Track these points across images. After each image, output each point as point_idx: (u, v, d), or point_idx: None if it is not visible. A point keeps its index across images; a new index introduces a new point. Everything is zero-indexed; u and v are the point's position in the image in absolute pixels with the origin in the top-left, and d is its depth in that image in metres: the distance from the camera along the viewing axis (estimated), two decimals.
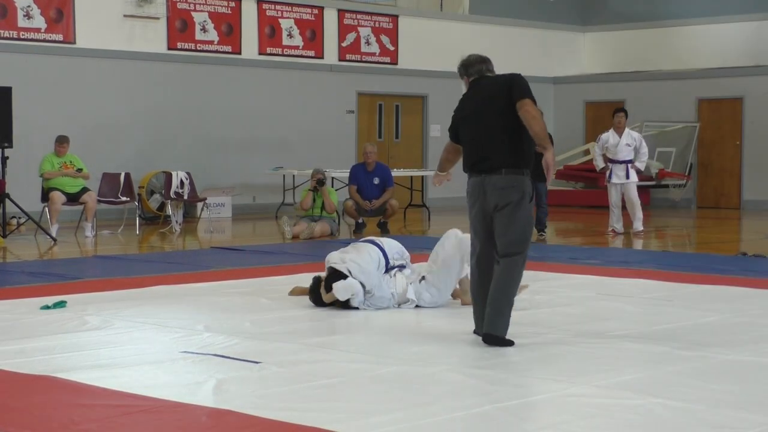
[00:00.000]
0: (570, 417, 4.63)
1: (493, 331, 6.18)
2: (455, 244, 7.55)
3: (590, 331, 6.71)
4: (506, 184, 6.25)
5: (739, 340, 6.43)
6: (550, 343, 6.34)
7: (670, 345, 6.24)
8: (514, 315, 7.04)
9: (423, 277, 7.66)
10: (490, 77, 6.58)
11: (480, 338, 6.28)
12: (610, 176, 14.62)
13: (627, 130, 14.77)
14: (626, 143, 14.53)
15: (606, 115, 21.84)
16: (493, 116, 6.34)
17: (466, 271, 7.28)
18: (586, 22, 23.15)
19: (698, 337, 6.52)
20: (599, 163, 14.84)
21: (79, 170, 13.95)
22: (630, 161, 14.54)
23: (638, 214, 14.53)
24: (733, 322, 7.14)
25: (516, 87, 6.29)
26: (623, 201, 14.58)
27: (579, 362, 5.86)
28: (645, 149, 14.70)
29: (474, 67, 6.61)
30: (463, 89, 6.68)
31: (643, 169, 15.04)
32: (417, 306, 7.59)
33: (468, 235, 6.87)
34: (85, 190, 13.97)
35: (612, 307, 7.69)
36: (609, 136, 14.65)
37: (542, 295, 8.35)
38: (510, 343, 6.19)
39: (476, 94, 6.52)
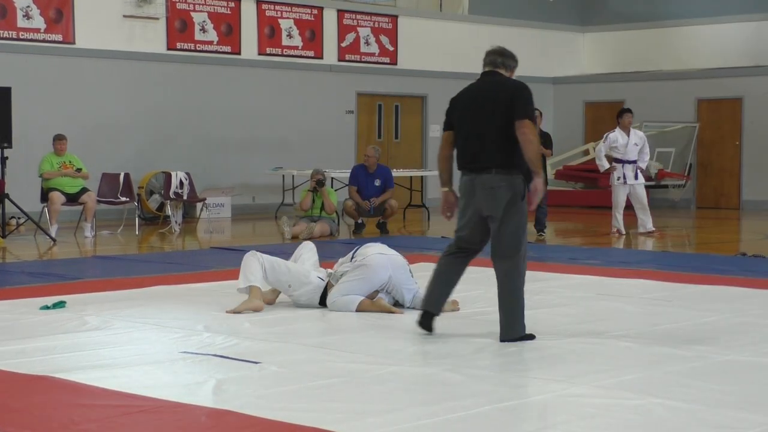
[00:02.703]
0: (570, 417, 4.63)
1: (510, 336, 6.27)
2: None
3: (590, 331, 6.71)
4: (496, 184, 6.25)
5: (739, 340, 6.43)
6: (550, 343, 6.33)
7: (669, 345, 6.24)
8: None
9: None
10: (500, 77, 6.49)
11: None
12: (621, 176, 14.48)
13: (633, 129, 14.75)
14: (634, 143, 14.52)
15: (606, 115, 21.86)
16: (490, 118, 6.32)
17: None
18: (586, 23, 23.15)
19: (698, 338, 6.52)
20: (604, 164, 14.61)
21: (79, 170, 13.95)
22: (635, 161, 14.54)
23: (649, 214, 14.57)
24: (732, 322, 7.14)
25: (519, 105, 6.26)
26: (627, 201, 14.56)
27: (579, 362, 5.86)
28: (647, 149, 14.71)
29: (490, 57, 6.54)
30: None
31: (645, 168, 15.04)
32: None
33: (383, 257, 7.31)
34: (84, 190, 13.97)
35: (612, 308, 7.69)
36: (618, 136, 14.55)
37: (542, 295, 8.35)
38: (531, 337, 6.29)
39: (480, 91, 6.47)
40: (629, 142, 14.45)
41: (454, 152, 6.60)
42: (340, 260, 7.78)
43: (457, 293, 8.20)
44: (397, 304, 7.52)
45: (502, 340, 6.28)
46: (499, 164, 6.26)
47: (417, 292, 7.48)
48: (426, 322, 6.53)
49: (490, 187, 6.26)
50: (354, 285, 7.43)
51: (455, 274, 6.58)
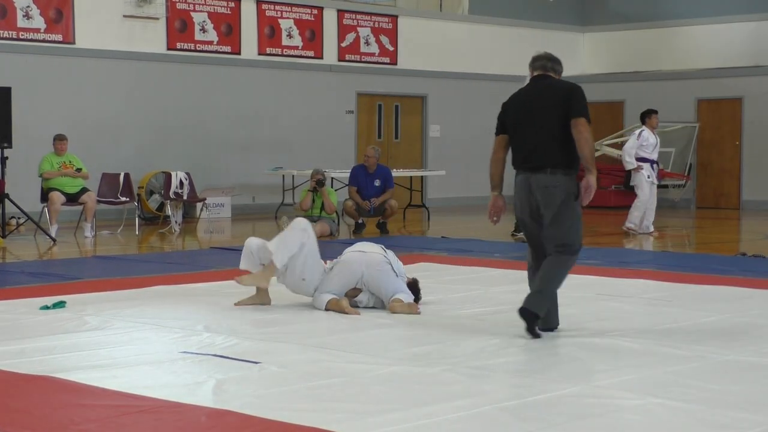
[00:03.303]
0: (569, 417, 4.63)
1: (531, 306, 6.30)
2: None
3: (589, 331, 6.70)
4: (551, 183, 6.37)
5: (739, 340, 6.43)
6: (550, 343, 6.34)
7: (669, 345, 6.24)
8: (514, 315, 7.03)
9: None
10: (551, 79, 6.63)
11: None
12: (650, 176, 14.47)
13: (654, 130, 14.80)
14: (658, 142, 14.68)
15: (605, 115, 21.87)
16: (547, 120, 6.44)
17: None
18: (586, 23, 23.16)
19: (698, 338, 6.52)
20: (633, 162, 14.48)
21: (79, 170, 13.96)
22: (656, 161, 14.64)
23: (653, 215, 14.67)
24: (732, 322, 7.15)
25: (575, 103, 6.41)
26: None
27: (578, 362, 5.86)
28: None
29: (539, 62, 6.72)
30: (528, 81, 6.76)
31: None
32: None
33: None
34: (84, 190, 13.97)
35: (611, 308, 7.69)
36: (648, 135, 14.56)
37: None
38: (537, 335, 6.33)
39: (534, 93, 6.60)
40: (657, 142, 14.57)
41: (508, 156, 6.72)
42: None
43: (457, 293, 8.22)
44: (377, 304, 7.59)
45: (521, 308, 6.32)
46: (554, 164, 6.40)
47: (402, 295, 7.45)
48: (533, 332, 6.44)
49: (545, 186, 6.38)
50: (331, 282, 7.53)
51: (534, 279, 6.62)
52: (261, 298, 7.65)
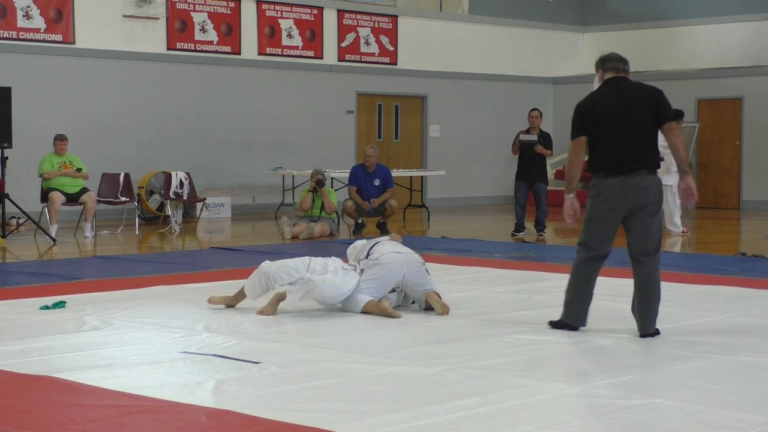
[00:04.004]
0: (570, 417, 4.63)
1: (650, 331, 6.49)
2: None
3: (591, 331, 6.70)
4: (649, 185, 6.49)
5: (739, 341, 6.43)
6: (550, 343, 6.34)
7: (670, 345, 6.25)
8: (514, 315, 7.03)
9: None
10: (631, 81, 6.72)
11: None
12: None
13: None
14: None
15: None
16: (639, 121, 6.52)
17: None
18: (586, 23, 23.15)
19: (698, 338, 6.52)
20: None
21: (78, 170, 13.96)
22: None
23: None
24: (732, 322, 7.14)
25: (664, 108, 6.58)
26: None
27: (578, 362, 5.86)
28: None
29: (611, 63, 6.76)
30: (596, 84, 6.84)
31: None
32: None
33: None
34: (84, 190, 13.97)
35: (612, 308, 7.68)
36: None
37: (542, 295, 8.35)
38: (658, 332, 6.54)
39: (620, 95, 6.60)
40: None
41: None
42: (353, 253, 7.75)
43: (457, 293, 8.21)
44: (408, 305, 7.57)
45: (643, 335, 6.46)
46: (649, 165, 6.53)
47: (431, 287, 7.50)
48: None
49: (644, 188, 6.46)
50: (369, 284, 7.41)
51: (593, 285, 6.71)
52: (235, 301, 7.59)
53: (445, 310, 7.30)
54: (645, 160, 6.50)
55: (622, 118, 6.51)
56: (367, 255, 7.56)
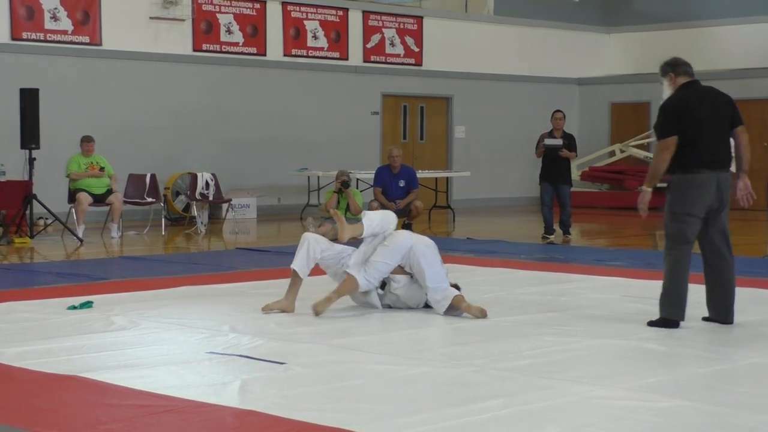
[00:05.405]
0: (595, 419, 4.61)
1: (732, 319, 6.97)
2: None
3: (616, 333, 6.68)
4: (730, 181, 6.91)
5: (766, 343, 6.38)
6: (575, 345, 6.31)
7: (695, 347, 6.22)
8: (539, 317, 7.01)
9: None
10: (706, 86, 7.13)
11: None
12: None
13: None
14: None
15: (631, 116, 21.79)
16: (723, 123, 6.97)
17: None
18: (611, 23, 23.06)
19: (724, 340, 6.49)
20: None
21: (102, 169, 14.01)
22: None
23: None
24: (760, 324, 7.10)
25: (737, 112, 7.06)
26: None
27: (604, 364, 5.84)
28: None
29: (682, 68, 7.16)
30: (666, 87, 7.26)
31: None
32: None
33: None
34: (109, 191, 14.03)
35: (637, 309, 7.65)
36: None
37: (567, 297, 8.33)
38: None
39: (707, 97, 7.01)
40: None
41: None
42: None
43: (483, 294, 8.19)
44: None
45: (730, 322, 6.93)
46: (729, 165, 6.95)
47: (444, 289, 7.40)
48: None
49: (728, 186, 6.89)
50: (379, 251, 7.43)
51: (688, 278, 6.99)
52: (287, 305, 7.58)
53: (483, 314, 7.25)
54: (727, 159, 6.94)
55: (713, 119, 6.90)
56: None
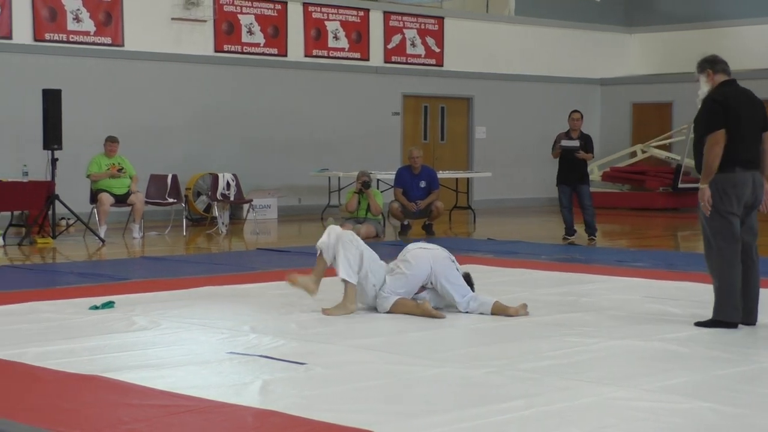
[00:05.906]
0: (617, 420, 4.60)
1: (756, 320, 6.95)
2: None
3: (637, 334, 6.66)
4: (762, 183, 6.97)
5: None
6: (597, 346, 6.30)
7: (718, 348, 6.19)
8: (560, 317, 6.98)
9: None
10: (743, 87, 7.15)
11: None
12: None
13: None
14: None
15: (653, 116, 21.70)
16: (759, 123, 7.01)
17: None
18: (633, 23, 22.99)
19: (746, 341, 6.46)
20: None
21: (120, 169, 14.06)
22: None
23: None
24: None
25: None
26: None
27: (626, 365, 5.82)
28: None
29: (720, 65, 7.14)
30: (702, 83, 7.11)
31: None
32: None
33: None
34: (129, 192, 14.08)
35: (659, 310, 7.63)
36: None
37: (588, 297, 8.31)
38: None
39: (745, 97, 7.06)
40: None
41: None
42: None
43: (504, 295, 8.18)
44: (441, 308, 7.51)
45: (753, 323, 6.91)
46: (760, 165, 6.98)
47: (473, 298, 7.44)
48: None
49: (761, 184, 6.95)
50: (396, 281, 7.43)
51: (740, 277, 6.98)
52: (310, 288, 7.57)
53: (522, 311, 7.31)
54: (760, 160, 6.96)
55: (752, 120, 6.93)
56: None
